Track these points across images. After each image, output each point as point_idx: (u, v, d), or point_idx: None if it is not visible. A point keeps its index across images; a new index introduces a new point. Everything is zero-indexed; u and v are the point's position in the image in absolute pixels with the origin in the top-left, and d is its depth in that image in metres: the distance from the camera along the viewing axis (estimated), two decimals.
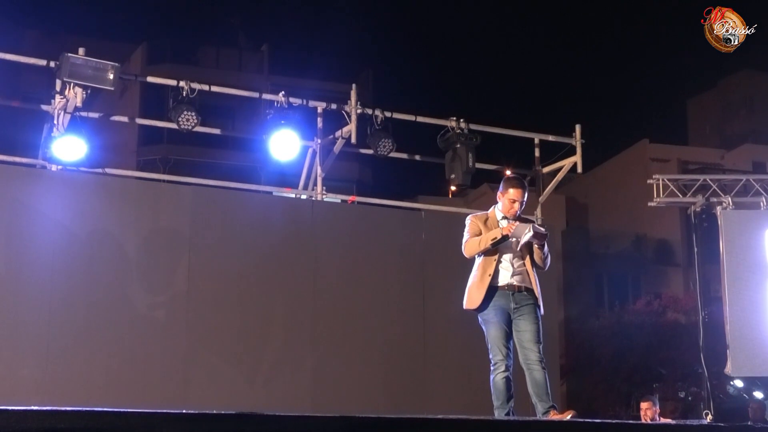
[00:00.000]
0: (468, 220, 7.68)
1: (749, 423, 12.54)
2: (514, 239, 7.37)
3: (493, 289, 7.38)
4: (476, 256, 7.52)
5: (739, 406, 14.45)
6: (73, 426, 4.05)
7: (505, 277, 7.41)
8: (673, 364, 25.65)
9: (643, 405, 11.75)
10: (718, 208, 13.35)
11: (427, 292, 11.74)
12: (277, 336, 11.04)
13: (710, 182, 13.85)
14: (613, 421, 7.25)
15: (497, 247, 7.40)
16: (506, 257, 7.44)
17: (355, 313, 11.38)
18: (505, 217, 7.50)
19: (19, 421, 3.99)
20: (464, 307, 7.58)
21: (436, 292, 11.75)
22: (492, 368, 7.37)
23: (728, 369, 12.97)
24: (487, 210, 7.76)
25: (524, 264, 7.45)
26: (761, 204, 13.55)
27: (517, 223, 7.40)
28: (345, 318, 11.32)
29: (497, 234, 7.37)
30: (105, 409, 4.31)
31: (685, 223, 30.24)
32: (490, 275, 7.40)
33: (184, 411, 4.58)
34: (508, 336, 7.36)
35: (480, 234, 7.50)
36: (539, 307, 7.45)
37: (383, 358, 11.39)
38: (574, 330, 28.07)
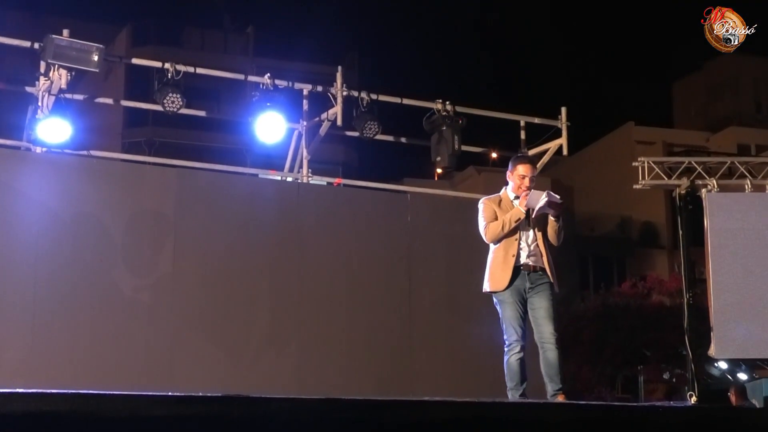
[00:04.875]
0: (481, 205, 7.60)
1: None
2: (529, 208, 7.28)
3: (515, 270, 7.32)
4: None
5: (723, 388, 14.51)
6: (59, 408, 4.04)
7: (521, 257, 7.35)
8: (657, 345, 25.72)
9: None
10: (703, 190, 13.38)
11: (412, 274, 11.75)
12: (263, 318, 11.04)
13: (695, 165, 13.89)
14: (601, 403, 7.30)
15: (516, 226, 7.35)
16: (523, 236, 7.38)
17: (340, 294, 11.38)
18: (517, 197, 7.44)
19: (3, 403, 3.98)
20: (488, 289, 7.48)
21: (422, 274, 11.77)
22: (506, 349, 7.34)
23: (712, 351, 13.03)
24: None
25: (538, 244, 7.39)
26: (746, 187, 13.59)
27: (531, 191, 7.34)
28: (331, 300, 11.32)
29: (520, 214, 7.32)
30: (90, 392, 4.31)
31: (670, 206, 30.31)
32: (513, 256, 7.34)
33: (169, 393, 4.58)
34: (523, 317, 7.33)
35: (495, 217, 7.43)
36: (553, 285, 7.41)
37: (369, 340, 11.40)
38: (559, 312, 28.07)
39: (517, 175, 7.50)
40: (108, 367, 10.05)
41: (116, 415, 4.10)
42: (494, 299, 7.48)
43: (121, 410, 4.12)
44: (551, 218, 7.42)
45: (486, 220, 7.49)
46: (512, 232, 7.37)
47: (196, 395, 4.40)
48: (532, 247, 7.38)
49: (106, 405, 4.13)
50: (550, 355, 7.27)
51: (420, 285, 11.73)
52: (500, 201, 7.55)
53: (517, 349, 7.28)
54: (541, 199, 7.27)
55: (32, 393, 4.17)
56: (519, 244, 7.37)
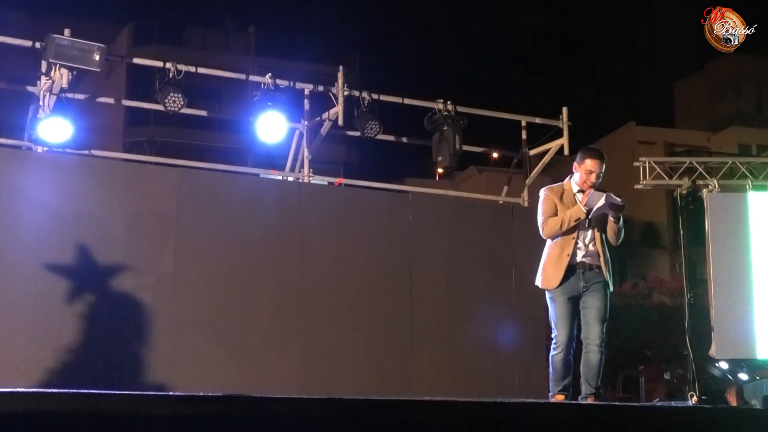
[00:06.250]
0: (542, 194, 7.44)
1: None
2: (587, 208, 7.15)
3: (569, 269, 7.22)
4: None
5: (723, 389, 14.50)
6: (60, 408, 4.04)
7: (577, 256, 7.24)
8: (658, 346, 25.75)
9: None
10: (704, 190, 13.38)
11: (414, 274, 11.74)
12: (264, 318, 11.04)
13: (696, 165, 13.88)
14: (601, 403, 7.29)
15: (575, 225, 7.23)
16: (581, 235, 7.25)
17: (341, 294, 11.38)
18: (581, 191, 7.29)
19: (4, 403, 3.98)
20: (540, 285, 7.39)
21: (423, 274, 11.76)
22: (553, 346, 7.31)
23: (713, 351, 13.02)
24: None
25: (595, 243, 7.26)
26: (747, 186, 13.58)
27: (592, 191, 7.19)
28: (332, 299, 11.32)
29: (580, 214, 7.16)
30: (91, 391, 4.31)
31: (671, 206, 30.34)
32: (568, 255, 7.22)
33: (170, 393, 4.58)
34: (574, 316, 7.26)
35: (555, 210, 7.28)
36: (609, 285, 7.31)
37: (370, 339, 11.40)
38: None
39: (585, 169, 7.28)
40: (109, 367, 10.04)
41: (117, 415, 4.10)
42: (547, 294, 7.38)
43: (122, 410, 4.13)
44: (611, 219, 7.26)
45: (545, 214, 7.33)
46: (570, 231, 7.23)
47: (197, 395, 4.40)
48: (589, 247, 7.26)
49: (107, 405, 4.14)
50: (592, 357, 7.24)
51: (421, 285, 11.73)
52: (563, 193, 7.38)
53: (563, 348, 7.25)
54: (601, 200, 7.13)
55: (33, 393, 4.17)
56: (576, 243, 7.24)
